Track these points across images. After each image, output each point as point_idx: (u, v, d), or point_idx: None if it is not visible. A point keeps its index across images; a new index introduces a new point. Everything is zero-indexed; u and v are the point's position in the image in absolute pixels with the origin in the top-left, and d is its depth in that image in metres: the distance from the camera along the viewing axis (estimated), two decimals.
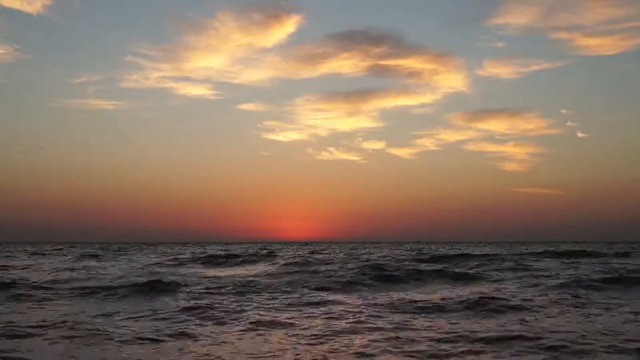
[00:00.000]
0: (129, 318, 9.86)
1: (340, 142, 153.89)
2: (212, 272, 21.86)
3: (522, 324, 9.04)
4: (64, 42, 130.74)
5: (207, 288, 14.56)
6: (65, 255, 41.36)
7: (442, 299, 12.01)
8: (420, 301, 11.80)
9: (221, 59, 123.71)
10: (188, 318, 9.72)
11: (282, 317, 9.84)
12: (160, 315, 10.04)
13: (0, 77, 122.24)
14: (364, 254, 38.84)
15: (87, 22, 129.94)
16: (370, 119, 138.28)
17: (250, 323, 9.14)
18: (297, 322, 9.23)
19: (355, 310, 10.70)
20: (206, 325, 9.04)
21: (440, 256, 31.16)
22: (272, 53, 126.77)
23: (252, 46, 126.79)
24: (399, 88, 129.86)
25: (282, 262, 25.61)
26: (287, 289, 14.50)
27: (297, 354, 6.90)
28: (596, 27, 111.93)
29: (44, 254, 42.64)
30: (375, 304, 11.56)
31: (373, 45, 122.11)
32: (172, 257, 34.85)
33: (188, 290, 14.07)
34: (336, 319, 9.61)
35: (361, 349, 7.11)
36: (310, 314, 10.25)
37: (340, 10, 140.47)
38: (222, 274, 19.80)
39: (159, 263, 28.09)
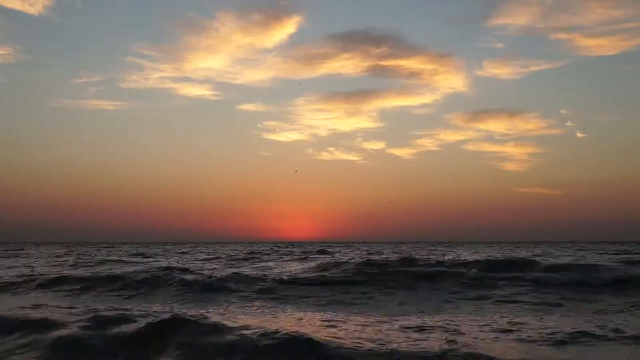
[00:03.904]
0: None
1: (340, 142, 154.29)
2: None
3: None
4: (65, 42, 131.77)
5: None
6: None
7: None
8: None
9: (221, 59, 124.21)
10: None
11: None
12: None
13: (1, 77, 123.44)
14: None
15: (88, 23, 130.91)
16: (370, 119, 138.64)
17: None
18: None
19: None
20: None
21: None
22: (273, 53, 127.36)
23: (253, 47, 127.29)
24: (399, 88, 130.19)
25: None
26: None
27: None
28: (596, 28, 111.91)
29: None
30: None
31: (373, 45, 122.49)
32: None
33: None
34: None
35: None
36: None
37: (340, 10, 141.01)
38: None
39: None
